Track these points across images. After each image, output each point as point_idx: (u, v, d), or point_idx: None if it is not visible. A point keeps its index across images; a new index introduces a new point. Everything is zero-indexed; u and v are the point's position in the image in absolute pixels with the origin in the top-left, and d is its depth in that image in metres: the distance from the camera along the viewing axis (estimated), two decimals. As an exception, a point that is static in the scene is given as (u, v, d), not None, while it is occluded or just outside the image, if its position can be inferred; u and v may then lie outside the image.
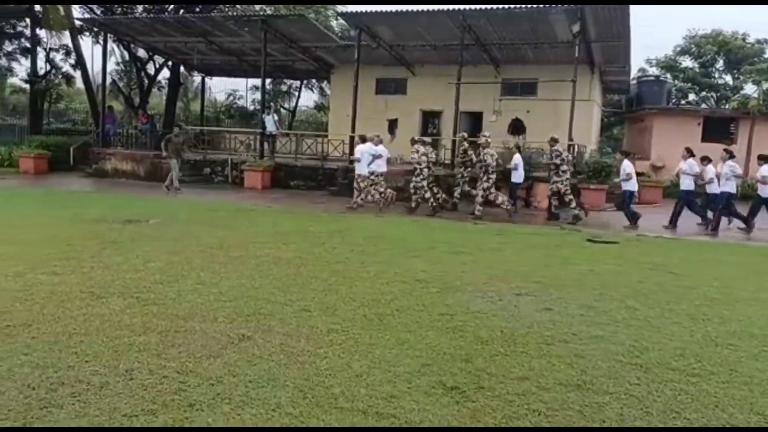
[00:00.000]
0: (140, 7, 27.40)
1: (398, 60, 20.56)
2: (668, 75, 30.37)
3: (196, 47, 20.82)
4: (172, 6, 24.49)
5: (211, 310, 4.99)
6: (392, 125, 22.05)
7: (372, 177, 13.62)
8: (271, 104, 24.61)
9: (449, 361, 4.02)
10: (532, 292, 6.11)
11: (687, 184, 12.73)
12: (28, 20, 27.80)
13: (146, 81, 29.31)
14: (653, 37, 46.56)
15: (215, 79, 28.57)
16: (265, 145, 19.05)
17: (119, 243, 7.84)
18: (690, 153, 12.92)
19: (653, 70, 33.92)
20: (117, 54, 32.54)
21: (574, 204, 13.11)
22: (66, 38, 26.32)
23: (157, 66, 29.05)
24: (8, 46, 30.91)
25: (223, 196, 15.59)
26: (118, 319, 4.61)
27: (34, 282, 5.58)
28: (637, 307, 5.58)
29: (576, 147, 16.85)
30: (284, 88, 43.09)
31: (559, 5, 15.32)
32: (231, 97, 34.55)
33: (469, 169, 14.88)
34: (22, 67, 33.74)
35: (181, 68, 27.46)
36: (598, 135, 25.62)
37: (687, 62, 35.73)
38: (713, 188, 12.44)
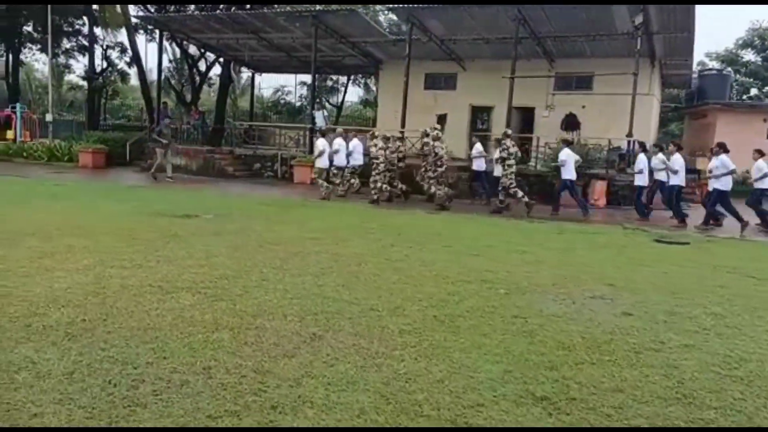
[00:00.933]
0: (192, 5, 27.92)
1: (448, 54, 20.29)
2: (729, 69, 29.07)
3: (247, 44, 21.01)
4: (222, 5, 24.84)
5: (278, 307, 4.92)
6: (441, 121, 21.78)
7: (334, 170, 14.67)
8: (321, 100, 24.62)
9: (532, 369, 3.83)
10: (606, 295, 5.84)
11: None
12: (86, 18, 28.65)
13: (198, 78, 29.85)
14: (713, 28, 44.80)
15: (263, 75, 28.83)
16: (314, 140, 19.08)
17: (181, 237, 7.88)
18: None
19: (713, 64, 32.62)
20: (169, 52, 33.31)
21: (520, 194, 13.23)
22: (122, 36, 27.08)
23: (208, 63, 29.57)
24: (66, 44, 31.98)
25: (273, 191, 15.67)
26: (189, 315, 4.58)
27: (104, 275, 5.62)
28: (723, 314, 5.25)
29: (635, 143, 16.29)
30: (329, 83, 43.34)
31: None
32: (279, 93, 34.82)
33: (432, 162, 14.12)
34: (79, 65, 34.88)
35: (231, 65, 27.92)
36: (656, 131, 24.79)
37: (749, 56, 34.24)
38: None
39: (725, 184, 11.69)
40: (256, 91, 33.90)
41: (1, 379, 3.26)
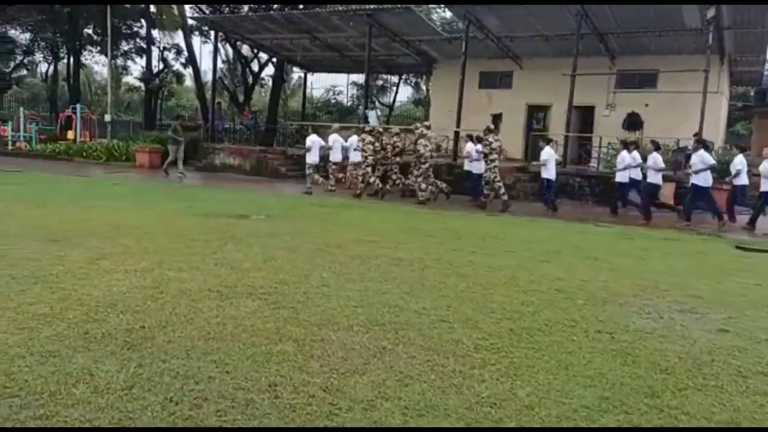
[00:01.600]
0: (246, 7, 28.16)
1: (505, 52, 19.75)
2: (803, 64, 27.40)
3: (300, 43, 20.98)
4: (276, 5, 24.93)
5: (343, 316, 4.63)
6: (496, 120, 21.23)
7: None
8: (374, 99, 24.38)
9: (631, 395, 3.41)
10: (695, 308, 5.33)
11: None
12: (143, 21, 29.30)
13: (250, 78, 30.11)
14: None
15: (313, 75, 28.84)
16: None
17: (237, 238, 7.71)
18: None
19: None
20: (222, 53, 33.74)
21: (503, 191, 13.41)
22: (178, 38, 27.53)
23: (261, 63, 29.79)
24: (125, 46, 32.80)
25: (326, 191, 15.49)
26: (250, 323, 4.33)
27: (162, 279, 5.45)
28: (837, 334, 4.68)
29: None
30: (379, 83, 43.19)
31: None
32: (330, 93, 34.85)
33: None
34: (136, 66, 35.74)
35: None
36: (725, 130, 23.57)
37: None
38: None
39: (705, 180, 11.64)
40: (306, 91, 34.06)
41: (59, 394, 3.06)
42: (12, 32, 32.16)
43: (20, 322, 4.11)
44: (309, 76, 29.26)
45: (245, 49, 29.11)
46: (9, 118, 26.60)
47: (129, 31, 30.62)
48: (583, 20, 15.44)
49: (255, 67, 30.26)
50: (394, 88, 34.45)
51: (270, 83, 37.22)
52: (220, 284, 5.39)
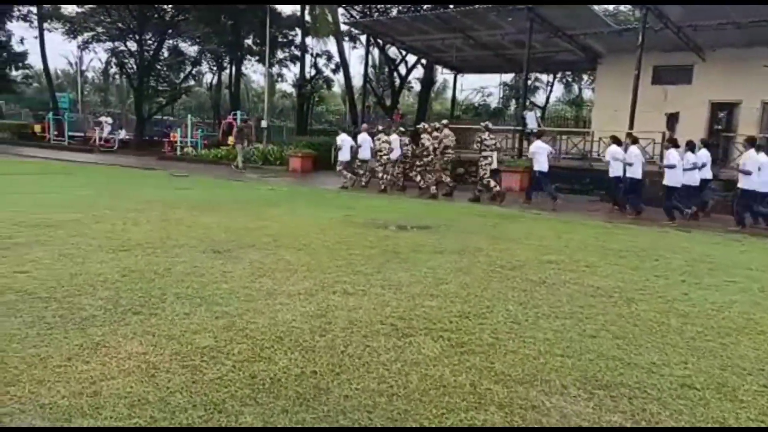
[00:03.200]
0: (395, 10, 27.99)
1: (685, 43, 17.48)
2: None
3: (453, 43, 20.20)
4: (427, 5, 24.40)
5: (550, 370, 3.68)
6: (671, 120, 18.94)
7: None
8: (532, 100, 22.92)
9: None
10: None
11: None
12: (297, 29, 30.26)
13: (397, 81, 29.92)
14: None
15: (463, 76, 27.89)
16: (524, 144, 17.60)
17: (400, 254, 7.02)
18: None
19: None
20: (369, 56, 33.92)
21: (492, 184, 13.91)
22: (329, 44, 28.02)
23: (408, 66, 29.51)
24: (280, 55, 34.16)
25: (482, 198, 14.48)
26: (438, 374, 3.53)
27: (327, 305, 4.84)
28: None
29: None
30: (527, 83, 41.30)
31: None
32: (478, 95, 33.79)
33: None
34: (289, 74, 37.12)
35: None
36: None
37: None
38: None
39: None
40: (450, 93, 33.25)
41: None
42: (182, 45, 34.82)
43: (184, 357, 3.64)
44: (449, 77, 28.48)
45: (392, 52, 29.03)
46: (179, 125, 28.65)
47: (285, 40, 31.80)
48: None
49: (402, 70, 30.07)
50: (548, 88, 32.48)
51: (415, 86, 37.02)
52: (392, 314, 4.67)
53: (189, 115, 28.08)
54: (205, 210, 9.91)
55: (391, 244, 7.64)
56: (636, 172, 12.47)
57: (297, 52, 31.24)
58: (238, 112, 26.19)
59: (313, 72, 30.59)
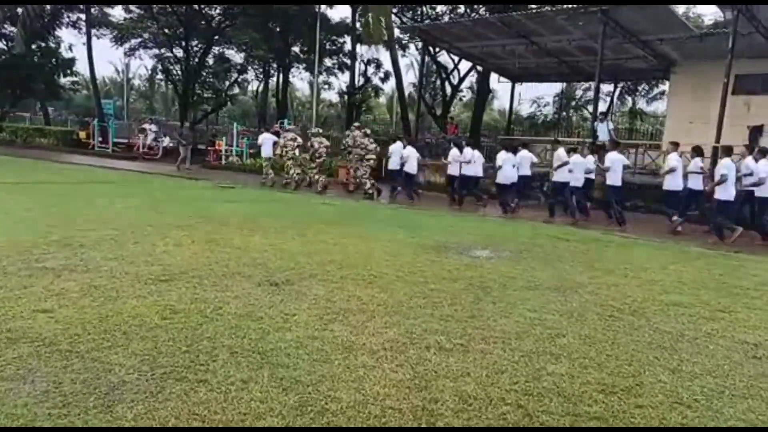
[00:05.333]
0: (446, 16, 26.91)
1: (777, 49, 15.88)
2: None
3: (515, 50, 18.93)
4: (483, 5, 23.23)
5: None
6: (755, 133, 17.25)
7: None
8: (605, 111, 21.41)
9: None
10: None
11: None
12: (346, 36, 29.46)
13: (449, 90, 28.76)
14: None
15: (504, 86, 26.54)
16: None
17: (489, 291, 5.84)
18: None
19: None
20: (416, 65, 32.93)
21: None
22: (378, 52, 27.07)
23: (461, 74, 28.35)
24: (328, 62, 33.41)
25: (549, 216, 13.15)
26: None
27: (425, 370, 3.71)
28: None
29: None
30: (578, 93, 39.71)
31: None
32: (533, 104, 32.35)
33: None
34: (336, 82, 36.37)
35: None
36: None
37: None
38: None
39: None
40: (498, 102, 31.92)
41: None
42: (228, 52, 34.44)
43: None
44: (498, 85, 27.13)
45: (443, 60, 27.95)
46: (224, 134, 28.05)
47: (333, 47, 31.03)
48: None
49: (453, 78, 28.92)
50: (608, 98, 30.84)
51: (466, 96, 35.83)
52: (512, 386, 3.53)
53: (235, 123, 27.44)
54: (256, 228, 8.90)
55: (474, 276, 6.46)
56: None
57: (345, 60, 30.43)
58: (285, 121, 25.40)
59: (362, 80, 29.68)
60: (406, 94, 27.77)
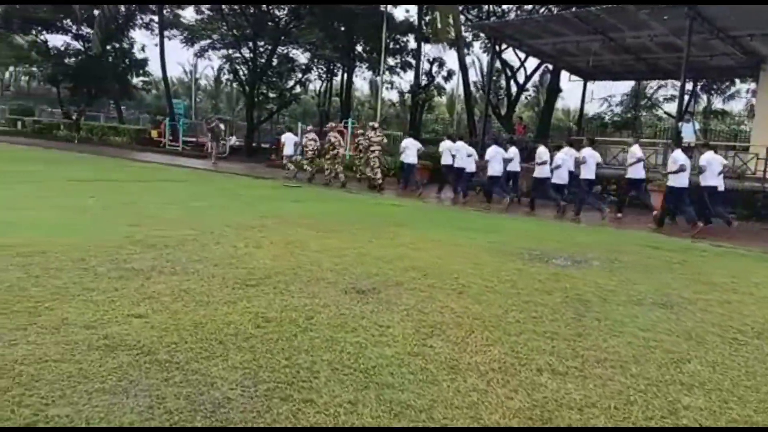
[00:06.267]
0: (511, 14, 26.25)
1: None
2: None
3: (590, 47, 18.17)
4: (553, 5, 22.47)
5: None
6: None
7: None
8: (690, 111, 20.39)
9: None
10: None
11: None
12: (410, 35, 29.16)
13: (514, 89, 28.07)
14: None
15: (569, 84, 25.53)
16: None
17: (589, 305, 5.43)
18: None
19: None
20: (477, 64, 32.32)
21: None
22: (442, 51, 26.64)
23: (527, 73, 27.60)
24: (391, 61, 33.21)
25: (630, 225, 12.46)
26: None
27: (544, 398, 3.38)
28: None
29: None
30: (649, 91, 38.19)
31: None
32: (604, 103, 31.16)
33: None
34: (397, 81, 36.05)
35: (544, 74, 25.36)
36: None
37: None
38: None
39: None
40: (565, 102, 30.85)
41: None
42: (293, 52, 34.76)
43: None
44: (565, 84, 26.18)
45: (506, 58, 27.28)
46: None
47: (396, 46, 30.81)
48: None
49: (519, 77, 28.17)
50: (687, 97, 29.34)
51: (531, 95, 34.94)
52: (646, 420, 3.20)
53: (299, 123, 27.60)
54: (330, 230, 8.73)
55: (569, 288, 6.05)
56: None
57: (409, 59, 30.16)
58: (349, 120, 25.34)
59: (425, 79, 29.30)
60: (471, 91, 27.31)
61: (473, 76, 37.34)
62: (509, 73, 27.44)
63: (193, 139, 31.10)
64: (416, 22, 26.79)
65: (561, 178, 13.71)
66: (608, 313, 5.21)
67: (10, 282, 4.88)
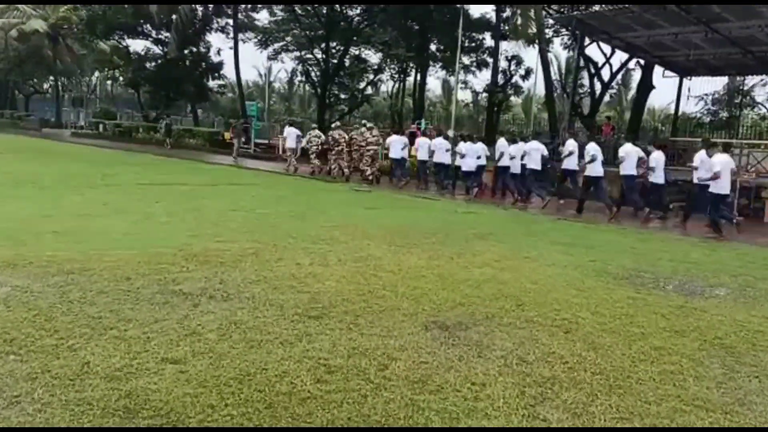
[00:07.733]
0: (595, 6, 24.48)
1: None
2: None
3: (690, 39, 16.41)
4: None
5: None
6: None
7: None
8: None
9: None
10: None
11: None
12: (486, 33, 27.92)
13: (597, 86, 26.29)
14: None
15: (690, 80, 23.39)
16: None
17: (738, 354, 4.27)
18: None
19: None
20: (555, 62, 30.57)
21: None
22: (520, 49, 25.26)
23: (613, 69, 25.78)
24: (465, 60, 32.02)
25: (743, 238, 10.83)
26: None
27: None
28: None
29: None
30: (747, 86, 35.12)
31: None
32: (700, 101, 28.70)
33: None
34: (473, 80, 34.78)
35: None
36: None
37: None
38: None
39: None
40: (651, 101, 28.61)
41: None
42: (365, 53, 34.22)
43: None
44: (655, 80, 23.96)
45: (590, 53, 25.53)
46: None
47: (472, 45, 29.63)
48: None
49: (603, 73, 26.38)
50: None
51: (615, 93, 32.82)
52: None
53: (371, 124, 26.88)
54: (405, 244, 7.79)
55: (703, 328, 4.86)
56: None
57: (485, 57, 28.90)
58: (423, 121, 24.40)
59: (502, 78, 27.98)
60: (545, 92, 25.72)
61: (551, 74, 35.59)
62: (593, 70, 25.68)
63: (266, 142, 31.01)
64: (494, 20, 25.53)
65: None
66: (765, 367, 4.03)
67: (38, 309, 4.24)
